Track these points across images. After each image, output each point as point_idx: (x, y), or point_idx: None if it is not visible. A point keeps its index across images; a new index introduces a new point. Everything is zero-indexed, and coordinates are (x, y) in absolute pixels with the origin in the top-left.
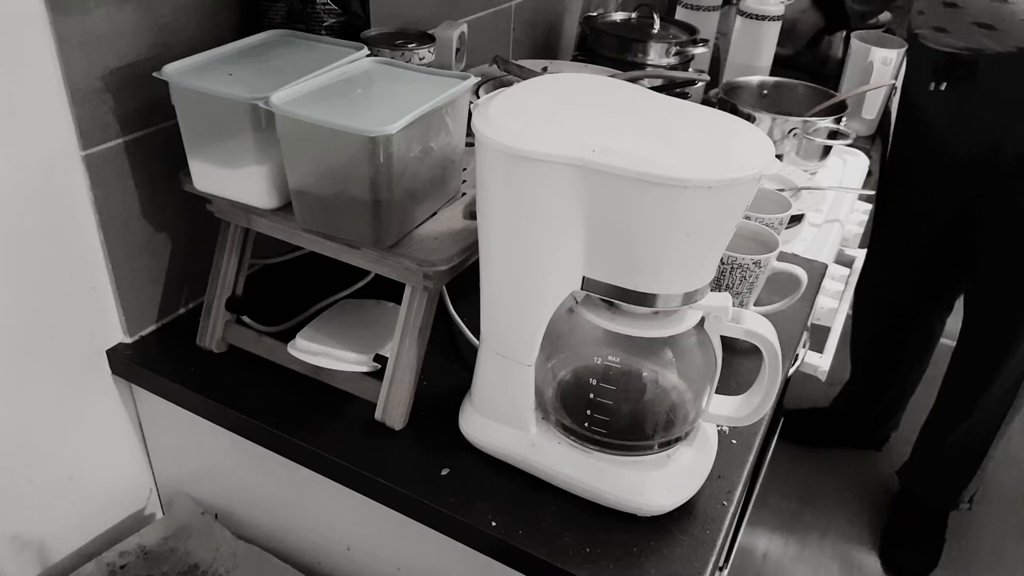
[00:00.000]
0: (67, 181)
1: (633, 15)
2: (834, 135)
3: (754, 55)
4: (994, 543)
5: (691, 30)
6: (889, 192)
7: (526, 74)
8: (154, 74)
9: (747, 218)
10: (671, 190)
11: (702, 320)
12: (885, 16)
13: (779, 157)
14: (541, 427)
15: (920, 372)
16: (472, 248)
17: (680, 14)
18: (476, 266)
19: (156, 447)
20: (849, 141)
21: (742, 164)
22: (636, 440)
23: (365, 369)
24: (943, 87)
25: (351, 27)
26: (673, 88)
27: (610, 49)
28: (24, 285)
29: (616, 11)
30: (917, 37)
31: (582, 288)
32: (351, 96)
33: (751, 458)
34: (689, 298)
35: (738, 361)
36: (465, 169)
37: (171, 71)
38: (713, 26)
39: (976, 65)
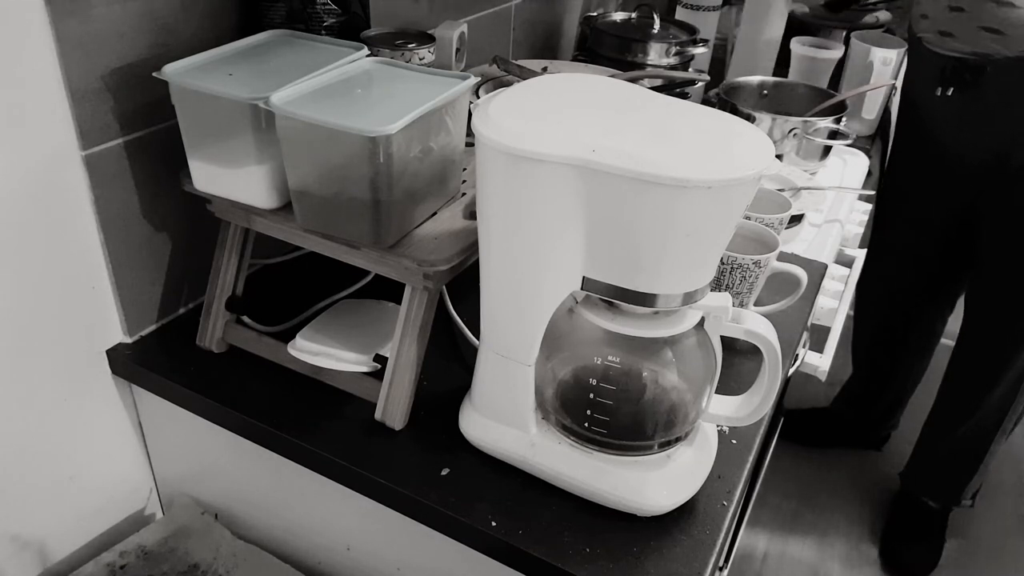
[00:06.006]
0: (67, 181)
1: (633, 15)
2: (834, 135)
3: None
4: (995, 541)
5: (691, 30)
6: (890, 193)
7: (526, 74)
8: (154, 74)
9: (747, 218)
10: (671, 190)
11: (702, 320)
12: (885, 16)
13: (779, 157)
14: (541, 427)
15: (921, 372)
16: (472, 248)
17: (680, 14)
18: (476, 266)
19: (156, 447)
20: (849, 141)
21: (742, 164)
22: (636, 440)
23: (365, 369)
24: (950, 92)
25: (351, 27)
26: (673, 88)
27: (610, 49)
28: (24, 285)
29: (616, 11)
30: (921, 41)
31: (582, 288)
32: (351, 96)
33: (751, 458)
34: (689, 298)
35: (738, 361)
36: (465, 169)
37: (171, 71)
38: (713, 26)
39: (983, 70)
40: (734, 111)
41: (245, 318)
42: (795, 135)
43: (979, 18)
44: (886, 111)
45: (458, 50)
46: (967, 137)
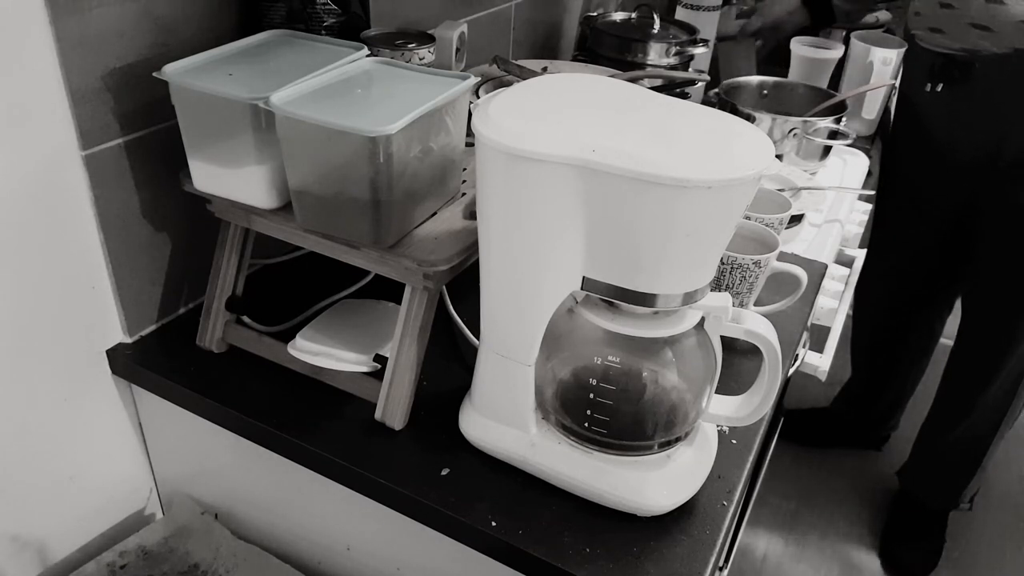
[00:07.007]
0: (67, 181)
1: (633, 15)
2: (834, 135)
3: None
4: (994, 543)
5: (691, 30)
6: (888, 192)
7: (526, 74)
8: (154, 74)
9: (747, 218)
10: (671, 190)
11: (702, 320)
12: (885, 16)
13: (779, 157)
14: (541, 427)
15: (920, 372)
16: (472, 248)
17: (680, 14)
18: (476, 266)
19: (156, 447)
20: (849, 141)
21: (742, 164)
22: (636, 440)
23: (365, 369)
24: (939, 88)
25: (351, 27)
26: (673, 88)
27: (610, 49)
28: (24, 285)
29: (616, 11)
30: (914, 38)
31: (582, 288)
32: (351, 96)
33: (751, 458)
34: (689, 298)
35: (738, 361)
36: (465, 169)
37: (171, 71)
38: (713, 26)
39: (972, 66)
40: (734, 111)
41: (245, 318)
42: (795, 135)
43: (968, 15)
44: (886, 111)
45: (458, 50)
46: (959, 134)
